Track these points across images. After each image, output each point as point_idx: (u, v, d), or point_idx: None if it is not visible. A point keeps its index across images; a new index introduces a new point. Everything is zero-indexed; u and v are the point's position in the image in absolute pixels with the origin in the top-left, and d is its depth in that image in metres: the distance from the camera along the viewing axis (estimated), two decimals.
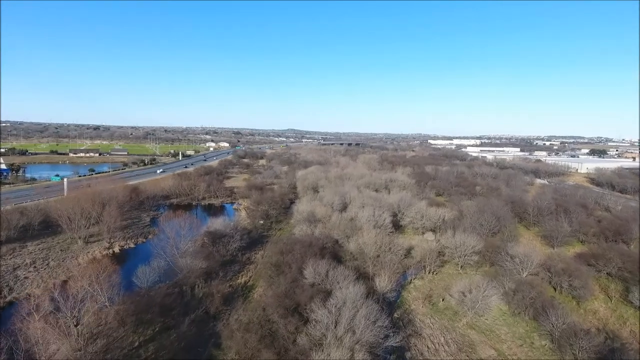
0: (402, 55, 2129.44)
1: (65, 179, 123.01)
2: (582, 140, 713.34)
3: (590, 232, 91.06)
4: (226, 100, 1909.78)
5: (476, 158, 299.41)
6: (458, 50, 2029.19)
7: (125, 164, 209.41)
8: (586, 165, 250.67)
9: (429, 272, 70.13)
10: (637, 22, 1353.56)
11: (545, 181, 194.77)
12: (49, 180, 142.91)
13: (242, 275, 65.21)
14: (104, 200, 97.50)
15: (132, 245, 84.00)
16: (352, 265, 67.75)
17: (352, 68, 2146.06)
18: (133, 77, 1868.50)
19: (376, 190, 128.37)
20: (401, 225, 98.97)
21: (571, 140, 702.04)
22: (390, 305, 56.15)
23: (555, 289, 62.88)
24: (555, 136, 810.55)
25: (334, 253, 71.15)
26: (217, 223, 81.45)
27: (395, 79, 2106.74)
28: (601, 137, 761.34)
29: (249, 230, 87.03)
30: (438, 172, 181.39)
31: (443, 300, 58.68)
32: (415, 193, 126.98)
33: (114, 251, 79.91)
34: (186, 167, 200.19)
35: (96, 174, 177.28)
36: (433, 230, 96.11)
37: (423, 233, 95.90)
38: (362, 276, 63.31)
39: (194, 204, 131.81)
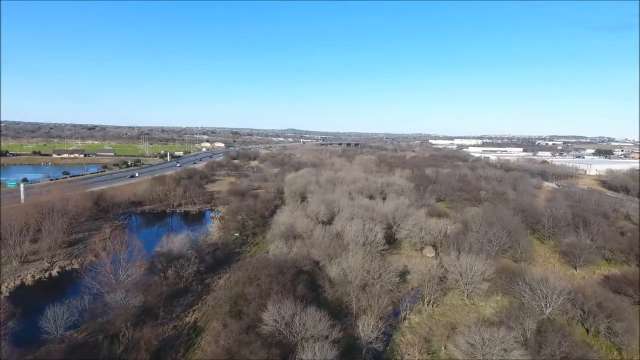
0: (403, 55, 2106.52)
1: (21, 185, 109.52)
2: (584, 140, 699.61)
3: (617, 249, 77.93)
4: (226, 100, 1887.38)
5: (479, 159, 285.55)
6: (459, 50, 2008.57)
7: (105, 166, 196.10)
8: (595, 166, 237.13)
9: (428, 304, 56.98)
10: (637, 21, 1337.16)
11: (554, 184, 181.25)
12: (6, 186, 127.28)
13: (193, 311, 51.92)
14: (55, 210, 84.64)
15: (76, 266, 70.43)
16: (333, 297, 54.92)
17: (353, 68, 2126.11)
18: (133, 77, 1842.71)
19: (370, 197, 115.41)
20: (396, 239, 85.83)
21: (573, 140, 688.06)
22: (377, 358, 43.04)
23: (587, 331, 49.80)
24: (557, 136, 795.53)
25: (311, 280, 58.34)
26: (175, 240, 67.83)
27: (396, 79, 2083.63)
28: (603, 137, 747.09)
29: (215, 247, 73.69)
30: (439, 174, 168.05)
31: (445, 348, 45.56)
32: (414, 199, 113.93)
33: (51, 274, 66.89)
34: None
35: (71, 177, 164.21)
36: (433, 245, 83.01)
37: (422, 248, 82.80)
38: (343, 314, 50.49)
39: (168, 211, 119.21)
